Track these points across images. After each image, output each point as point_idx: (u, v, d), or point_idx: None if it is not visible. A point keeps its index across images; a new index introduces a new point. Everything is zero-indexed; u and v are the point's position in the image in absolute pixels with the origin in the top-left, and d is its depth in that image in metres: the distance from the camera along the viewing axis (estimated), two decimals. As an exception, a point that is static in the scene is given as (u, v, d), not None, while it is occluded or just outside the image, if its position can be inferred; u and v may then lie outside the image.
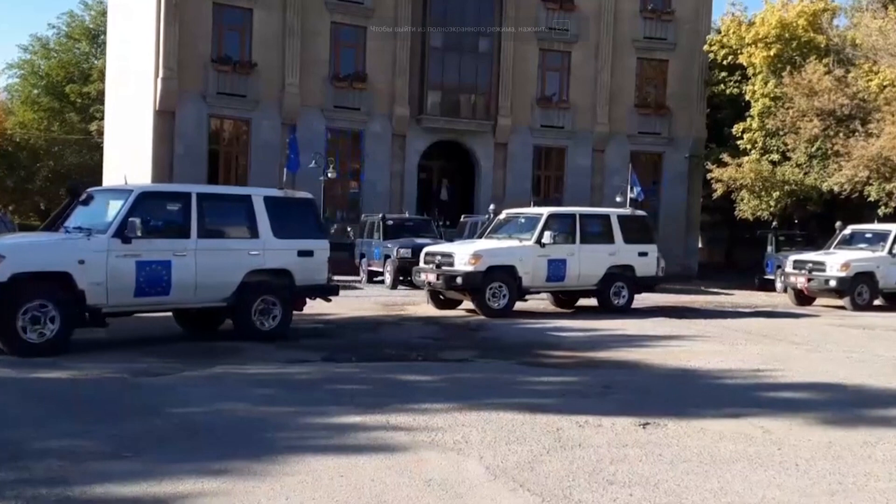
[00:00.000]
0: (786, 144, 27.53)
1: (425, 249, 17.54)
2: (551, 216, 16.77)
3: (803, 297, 20.55)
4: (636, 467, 5.76)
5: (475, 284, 15.60)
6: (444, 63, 30.33)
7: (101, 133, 40.29)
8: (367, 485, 5.24)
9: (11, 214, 49.21)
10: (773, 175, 27.46)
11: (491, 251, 16.22)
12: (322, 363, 9.98)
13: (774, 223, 28.33)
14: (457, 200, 31.01)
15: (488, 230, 17.94)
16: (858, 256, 20.03)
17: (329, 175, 24.57)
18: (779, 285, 26.53)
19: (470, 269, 15.63)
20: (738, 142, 29.26)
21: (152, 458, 5.69)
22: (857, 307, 19.29)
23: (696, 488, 5.36)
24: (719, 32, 30.86)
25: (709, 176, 28.64)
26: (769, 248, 28.05)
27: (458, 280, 15.61)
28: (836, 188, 25.64)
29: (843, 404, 8.24)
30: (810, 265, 20.17)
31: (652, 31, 32.79)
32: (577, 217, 17.14)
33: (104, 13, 43.90)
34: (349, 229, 26.60)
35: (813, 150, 26.92)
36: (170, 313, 12.24)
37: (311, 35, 28.34)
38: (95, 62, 47.80)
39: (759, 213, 27.88)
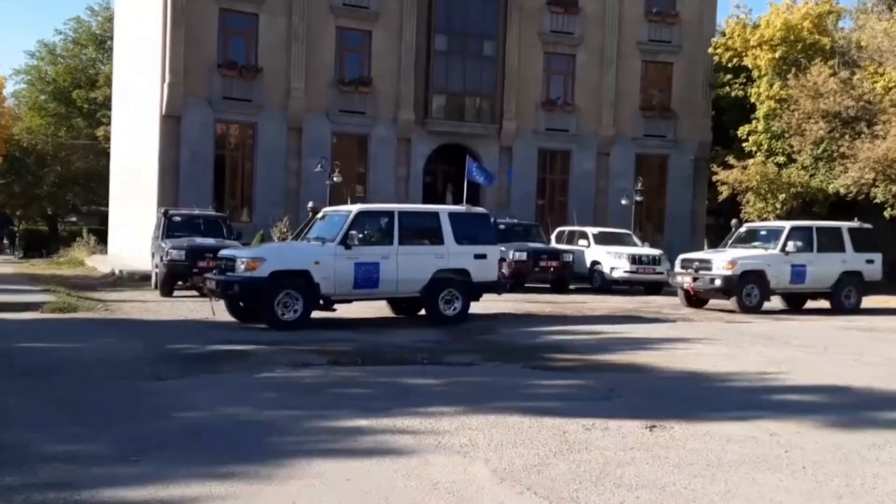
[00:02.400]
0: (791, 147, 27.48)
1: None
2: (361, 214, 14.57)
3: (692, 299, 19.34)
4: (643, 470, 5.76)
5: (258, 292, 13.42)
6: (449, 67, 30.35)
7: (107, 138, 40.41)
8: (373, 488, 5.24)
9: (18, 219, 49.52)
10: (779, 177, 27.41)
11: (278, 252, 14.98)
12: (328, 367, 9.99)
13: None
14: (462, 204, 30.94)
15: (306, 231, 15.54)
16: (747, 254, 18.86)
17: (335, 179, 24.59)
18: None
19: (248, 275, 13.46)
20: (744, 144, 29.21)
21: (159, 462, 5.70)
22: (745, 309, 18.11)
23: (702, 491, 5.35)
24: (724, 35, 30.80)
25: (714, 179, 28.59)
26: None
27: (236, 287, 13.60)
28: (842, 190, 25.59)
29: (851, 407, 8.22)
30: (697, 264, 18.96)
31: (656, 34, 32.76)
32: (396, 215, 14.76)
33: (111, 19, 44.05)
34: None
35: (819, 152, 26.87)
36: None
37: (316, 39, 28.38)
38: (102, 68, 47.94)
39: (764, 216, 27.80)
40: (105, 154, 41.36)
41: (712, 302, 19.19)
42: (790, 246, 18.66)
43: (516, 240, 23.69)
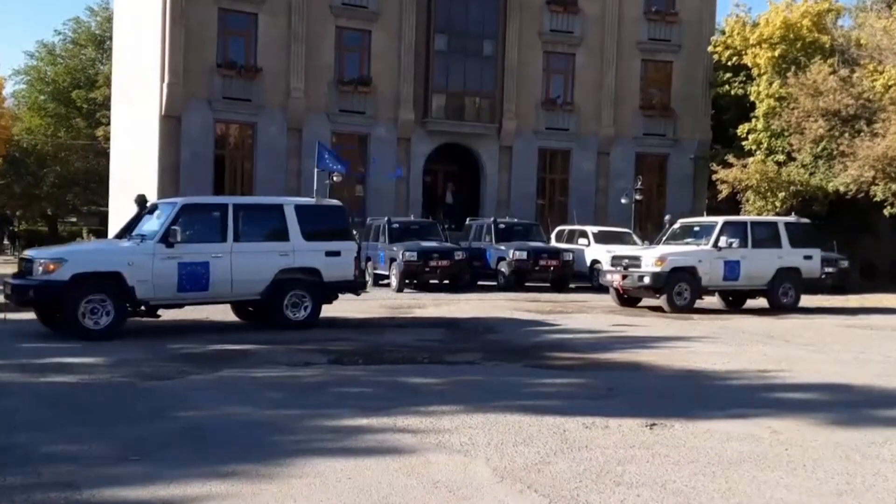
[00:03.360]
0: (791, 145, 27.48)
1: None
2: (187, 207, 12.97)
3: (624, 297, 18.64)
4: (643, 468, 5.76)
5: (58, 298, 11.88)
6: (449, 66, 30.36)
7: (107, 138, 40.41)
8: (374, 487, 5.25)
9: (18, 220, 49.54)
10: (779, 176, 27.41)
11: (81, 253, 13.49)
12: (329, 366, 10.00)
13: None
14: (462, 204, 31.03)
15: (132, 227, 13.55)
16: (677, 250, 18.15)
17: (335, 179, 24.56)
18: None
19: (46, 278, 11.94)
20: (744, 143, 29.22)
21: (160, 462, 5.71)
22: (675, 308, 17.28)
23: (703, 489, 5.36)
24: (724, 33, 30.82)
25: (714, 177, 28.59)
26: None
27: (31, 293, 12.11)
28: (841, 188, 25.59)
29: (851, 405, 8.22)
30: (626, 261, 18.26)
31: (656, 33, 32.77)
32: (231, 208, 13.15)
33: (110, 19, 44.03)
34: (354, 233, 26.58)
35: (818, 150, 26.87)
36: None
37: (315, 39, 28.39)
38: (102, 68, 47.93)
39: (764, 214, 27.78)
40: (105, 154, 41.36)
41: (646, 301, 18.56)
42: (723, 241, 18.00)
43: (516, 239, 23.74)
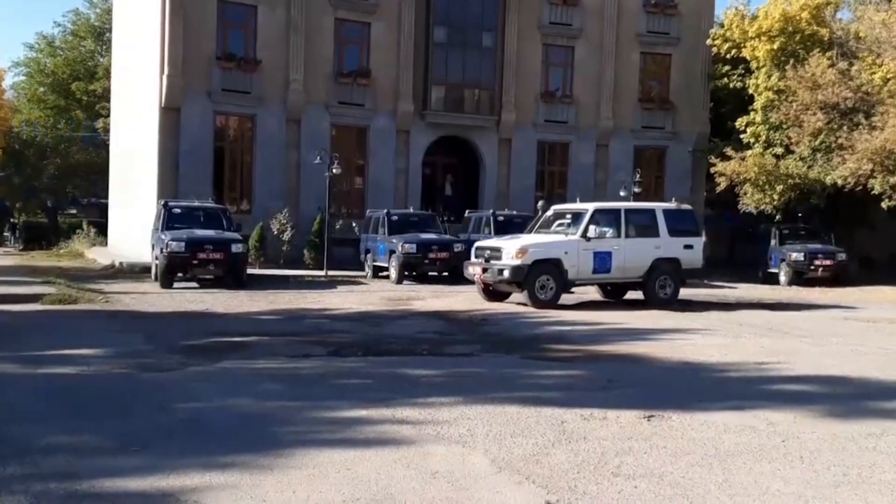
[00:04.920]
0: (789, 138, 27.45)
1: None
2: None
3: (490, 291, 17.33)
4: (641, 460, 5.79)
5: None
6: (448, 58, 30.26)
7: (107, 130, 40.39)
8: (373, 478, 5.27)
9: (18, 211, 49.50)
10: (777, 169, 27.38)
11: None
12: (328, 357, 10.02)
13: (778, 217, 28.28)
14: (461, 196, 31.01)
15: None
16: (541, 241, 16.96)
17: (334, 171, 24.59)
18: (783, 279, 26.59)
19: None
20: (742, 136, 29.18)
21: (159, 453, 5.73)
22: (538, 303, 16.04)
23: (700, 480, 5.39)
24: (722, 26, 30.75)
25: (712, 170, 28.55)
26: (773, 242, 28.04)
27: None
28: (839, 181, 25.56)
29: (848, 397, 8.25)
30: (488, 252, 17.00)
31: (655, 26, 32.69)
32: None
33: (109, 11, 43.95)
34: (354, 225, 26.64)
35: (816, 143, 26.84)
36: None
37: (315, 31, 28.32)
38: (101, 60, 47.87)
39: (762, 207, 27.80)
40: (104, 146, 41.35)
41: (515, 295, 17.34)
42: (592, 231, 16.81)
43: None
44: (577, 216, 17.42)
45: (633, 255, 17.22)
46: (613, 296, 18.71)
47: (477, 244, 18.24)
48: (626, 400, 7.72)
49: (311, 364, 9.55)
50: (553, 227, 17.85)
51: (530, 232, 18.22)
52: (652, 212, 18.15)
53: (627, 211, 17.94)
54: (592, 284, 18.10)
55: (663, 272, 17.50)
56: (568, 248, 16.70)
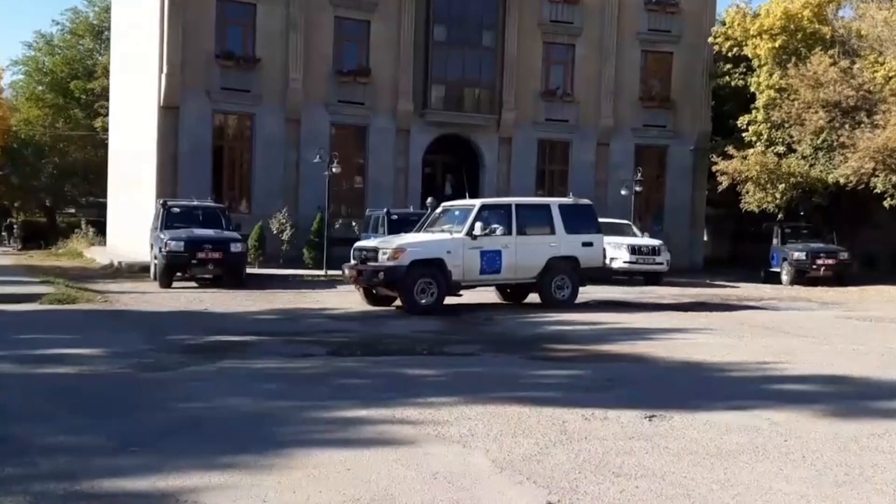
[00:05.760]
0: (791, 136, 27.44)
1: None
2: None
3: (373, 295, 16.04)
4: (642, 459, 5.76)
5: None
6: (448, 57, 30.22)
7: (105, 129, 40.33)
8: (373, 478, 5.24)
9: (16, 211, 49.49)
10: (779, 167, 27.36)
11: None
12: (327, 357, 9.99)
13: (780, 216, 28.26)
14: (461, 195, 30.96)
15: None
16: (421, 240, 15.88)
17: (333, 170, 24.56)
18: (784, 278, 26.57)
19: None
20: (744, 134, 29.14)
21: (159, 453, 5.70)
22: (416, 308, 14.71)
23: (702, 480, 5.36)
24: (724, 24, 30.68)
25: (714, 169, 28.54)
26: (775, 241, 28.03)
27: None
28: (841, 180, 25.55)
29: (850, 396, 8.22)
30: (364, 253, 15.84)
31: (656, 24, 32.63)
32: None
33: (108, 9, 43.89)
34: (353, 224, 26.60)
35: (818, 142, 26.83)
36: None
37: (314, 30, 28.28)
38: (100, 58, 47.79)
39: (764, 206, 27.78)
40: (103, 145, 41.28)
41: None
42: (478, 228, 15.53)
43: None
44: (466, 212, 16.22)
45: (525, 253, 16.03)
46: (513, 298, 17.30)
47: (355, 245, 16.99)
48: (627, 400, 7.69)
49: (310, 364, 9.52)
50: (439, 225, 16.72)
51: (419, 231, 17.11)
52: (546, 207, 16.97)
53: (519, 206, 16.63)
54: (482, 286, 16.69)
55: (560, 272, 16.35)
56: (451, 247, 15.43)
